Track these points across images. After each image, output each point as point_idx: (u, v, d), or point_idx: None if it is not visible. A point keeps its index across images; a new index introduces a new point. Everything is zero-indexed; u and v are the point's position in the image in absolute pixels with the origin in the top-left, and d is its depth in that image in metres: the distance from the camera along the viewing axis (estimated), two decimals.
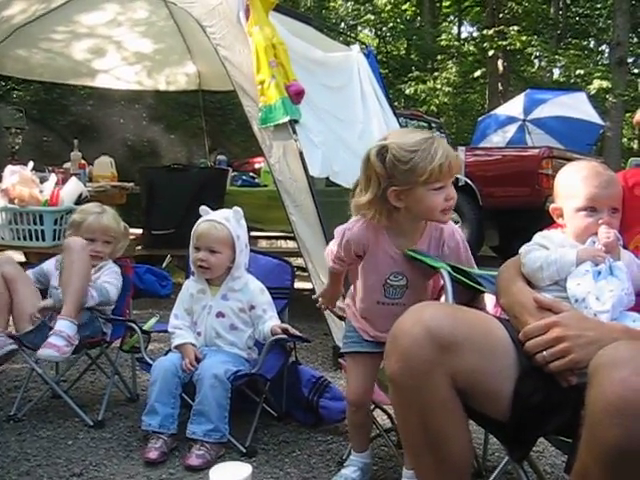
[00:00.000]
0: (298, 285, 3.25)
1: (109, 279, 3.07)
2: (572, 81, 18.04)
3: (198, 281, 2.83)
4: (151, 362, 2.73)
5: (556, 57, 18.09)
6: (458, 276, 1.95)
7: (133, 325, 2.86)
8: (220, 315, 2.78)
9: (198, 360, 2.64)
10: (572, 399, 1.49)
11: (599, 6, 22.60)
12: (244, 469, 1.91)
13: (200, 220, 2.82)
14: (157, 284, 3.26)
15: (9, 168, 4.94)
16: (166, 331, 2.92)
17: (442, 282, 2.08)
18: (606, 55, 23.06)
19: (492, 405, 1.58)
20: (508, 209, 7.98)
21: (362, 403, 2.30)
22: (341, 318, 2.53)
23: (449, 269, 1.98)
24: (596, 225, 1.78)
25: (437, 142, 1.99)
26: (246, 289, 2.80)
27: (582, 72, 16.64)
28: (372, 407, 2.45)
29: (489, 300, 2.16)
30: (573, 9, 23.48)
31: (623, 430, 1.21)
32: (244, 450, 2.60)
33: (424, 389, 1.55)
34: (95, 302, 2.95)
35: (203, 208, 2.86)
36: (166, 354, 2.82)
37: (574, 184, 1.84)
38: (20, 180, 4.81)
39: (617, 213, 1.82)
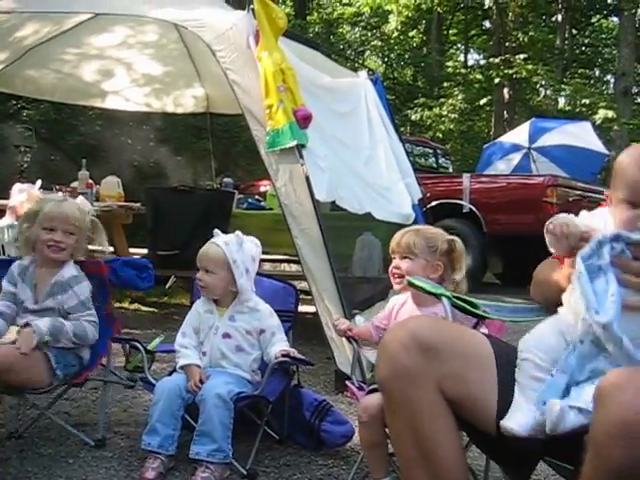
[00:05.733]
0: (301, 308, 3.26)
1: (91, 318, 2.79)
2: (577, 110, 18.11)
3: (206, 301, 2.86)
4: (154, 382, 2.73)
5: (562, 86, 18.20)
6: (460, 303, 1.97)
7: (137, 345, 2.86)
8: (226, 336, 2.79)
9: (202, 382, 2.65)
10: None
11: (604, 36, 22.82)
12: None
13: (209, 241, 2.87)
14: (136, 277, 2.97)
15: (17, 186, 4.99)
16: (169, 351, 2.94)
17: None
18: (611, 85, 23.24)
19: (480, 413, 1.60)
20: (512, 236, 8.02)
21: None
22: (349, 340, 2.57)
23: (449, 296, 2.00)
24: (636, 220, 1.62)
25: None
26: (255, 312, 2.81)
27: (587, 101, 16.74)
28: None
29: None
30: (579, 39, 23.66)
31: (627, 451, 1.24)
32: (245, 473, 2.59)
33: (412, 393, 1.59)
34: (69, 342, 2.71)
35: (216, 231, 2.91)
36: (170, 374, 2.83)
37: (619, 170, 1.70)
38: (28, 198, 4.85)
39: None
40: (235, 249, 2.81)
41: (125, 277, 2.93)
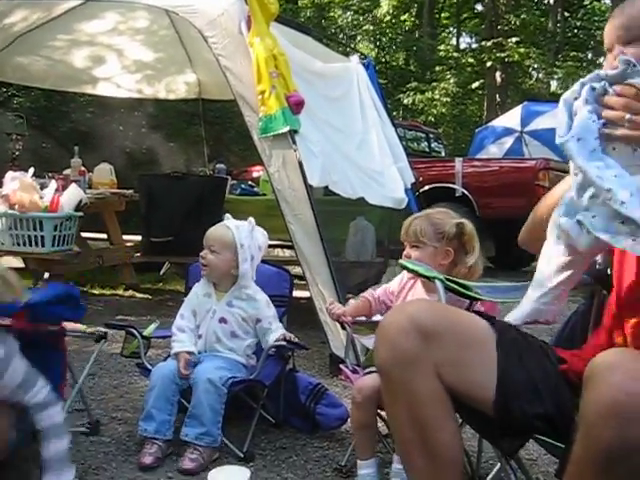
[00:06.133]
0: (295, 294, 3.28)
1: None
2: None
3: (205, 284, 2.89)
4: (150, 368, 2.76)
5: (554, 69, 18.23)
6: (452, 285, 2.00)
7: (133, 330, 2.88)
8: (223, 321, 2.82)
9: (186, 368, 2.67)
10: (554, 385, 1.58)
11: (597, 19, 22.77)
12: (243, 472, 1.95)
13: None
14: (64, 312, 2.43)
15: (10, 174, 4.97)
16: (165, 337, 2.96)
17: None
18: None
19: (478, 396, 1.62)
20: (504, 220, 8.01)
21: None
22: (343, 327, 2.59)
23: (442, 279, 2.03)
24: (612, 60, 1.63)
25: None
26: (252, 301, 2.84)
27: None
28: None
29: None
30: (571, 22, 23.63)
31: (617, 432, 1.26)
32: (242, 455, 2.62)
33: (411, 379, 1.60)
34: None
35: (227, 215, 2.97)
36: (165, 360, 2.85)
37: None
38: (21, 186, 4.84)
39: None
40: (245, 234, 2.84)
41: (50, 317, 2.39)
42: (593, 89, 1.47)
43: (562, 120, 1.51)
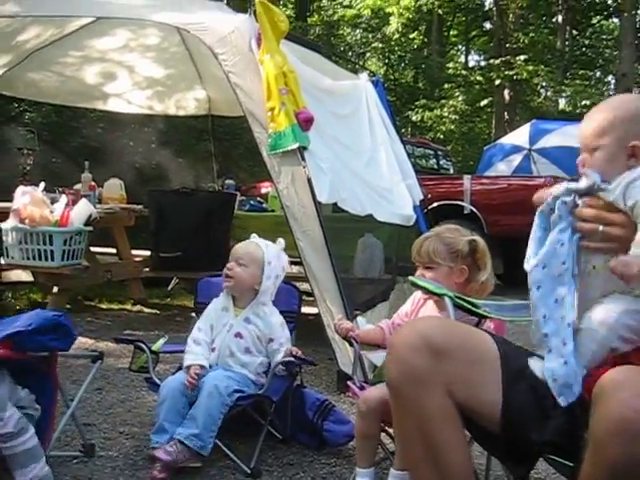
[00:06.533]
0: (303, 310, 3.28)
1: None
2: (578, 111, 18.16)
3: (224, 299, 2.92)
4: (159, 382, 2.77)
5: (562, 87, 18.25)
6: (461, 302, 2.00)
7: (142, 345, 2.89)
8: (238, 335, 2.84)
9: (195, 377, 2.67)
10: (559, 412, 1.56)
11: (605, 38, 22.85)
12: None
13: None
14: (50, 341, 2.35)
15: (21, 189, 5.01)
16: (174, 352, 2.97)
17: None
18: (612, 86, 23.28)
19: (486, 414, 1.62)
20: (513, 237, 7.98)
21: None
22: (350, 342, 2.59)
23: (451, 296, 2.03)
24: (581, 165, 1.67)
25: None
26: (268, 320, 2.87)
27: (588, 103, 16.76)
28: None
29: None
30: (579, 40, 23.68)
31: (623, 448, 1.26)
32: (249, 471, 2.62)
33: (422, 396, 1.60)
34: None
35: (253, 235, 3.05)
36: (174, 374, 2.86)
37: None
38: (31, 201, 4.88)
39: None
40: (273, 254, 2.91)
41: (36, 346, 2.34)
42: (564, 203, 1.55)
43: (534, 237, 1.61)
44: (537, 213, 1.60)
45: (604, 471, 1.30)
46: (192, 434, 2.55)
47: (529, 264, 1.58)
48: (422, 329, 1.65)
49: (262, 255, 2.87)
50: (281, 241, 3.01)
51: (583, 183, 1.55)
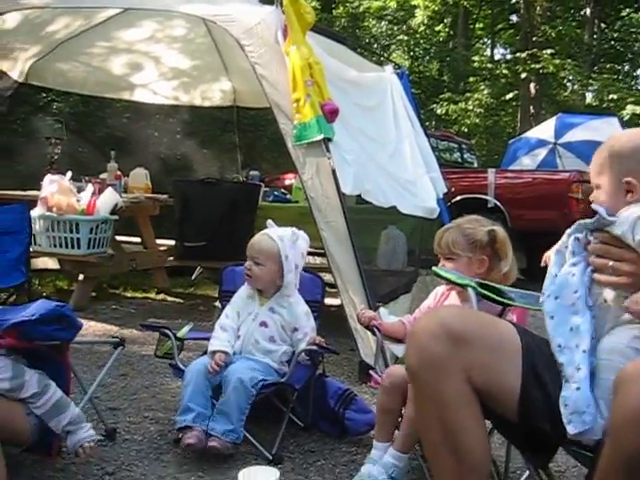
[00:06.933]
0: (326, 301, 3.31)
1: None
2: (605, 106, 17.93)
3: (250, 287, 2.95)
4: (183, 368, 2.81)
5: (589, 81, 18.04)
6: (485, 292, 2.01)
7: (167, 332, 2.94)
8: (263, 324, 2.88)
9: (220, 365, 2.72)
10: None
11: (634, 31, 22.52)
12: (272, 473, 1.98)
13: (261, 232, 2.98)
14: (54, 332, 2.35)
15: (48, 177, 5.09)
16: (198, 339, 3.01)
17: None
18: None
19: (505, 402, 1.64)
20: (537, 232, 7.96)
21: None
22: (372, 331, 2.61)
23: (474, 286, 2.04)
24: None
25: None
26: (292, 310, 2.89)
27: (615, 97, 16.56)
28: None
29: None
30: (608, 33, 23.37)
31: None
32: (270, 457, 2.66)
33: (441, 382, 1.63)
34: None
35: (269, 222, 3.02)
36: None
37: None
38: (59, 189, 4.96)
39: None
40: (289, 245, 2.90)
41: (40, 336, 2.34)
42: (577, 239, 1.64)
43: (550, 273, 1.71)
44: (554, 251, 1.69)
45: (622, 459, 1.32)
46: (227, 430, 2.60)
47: (542, 297, 1.67)
48: (441, 317, 1.68)
49: (277, 251, 2.87)
50: (294, 230, 2.96)
51: (592, 219, 1.61)
